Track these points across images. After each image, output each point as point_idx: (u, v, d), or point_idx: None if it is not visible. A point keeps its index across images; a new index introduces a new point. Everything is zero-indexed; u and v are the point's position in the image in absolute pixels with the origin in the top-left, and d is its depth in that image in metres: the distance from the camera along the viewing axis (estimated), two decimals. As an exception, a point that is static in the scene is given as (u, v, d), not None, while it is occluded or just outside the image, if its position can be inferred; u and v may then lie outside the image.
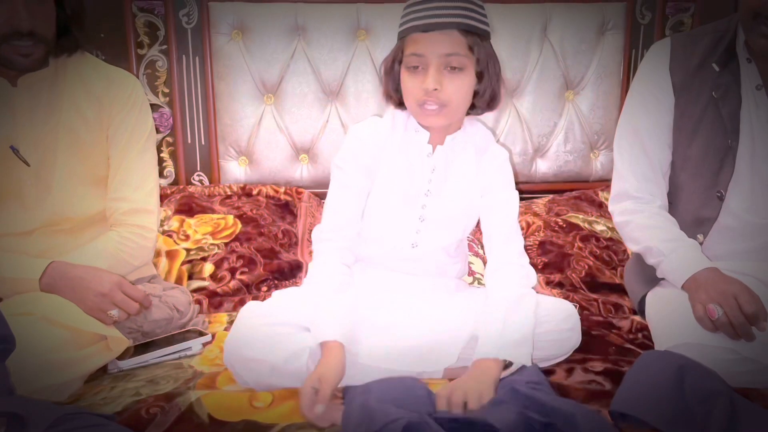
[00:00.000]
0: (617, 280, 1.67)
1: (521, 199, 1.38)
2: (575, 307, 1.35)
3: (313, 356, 1.13)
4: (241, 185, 2.01)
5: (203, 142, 2.06)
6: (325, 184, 2.11)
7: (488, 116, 1.96)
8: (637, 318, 1.49)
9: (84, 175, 1.37)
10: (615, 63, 2.11)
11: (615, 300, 1.60)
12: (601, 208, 1.97)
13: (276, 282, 1.68)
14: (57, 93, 1.33)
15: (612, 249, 1.79)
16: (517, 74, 2.08)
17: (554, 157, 2.16)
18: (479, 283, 1.73)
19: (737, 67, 1.32)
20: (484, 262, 1.80)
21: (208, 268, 1.68)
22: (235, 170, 2.08)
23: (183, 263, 1.69)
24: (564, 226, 1.87)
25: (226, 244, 1.75)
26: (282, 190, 2.00)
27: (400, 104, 1.28)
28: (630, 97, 1.45)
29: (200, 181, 2.09)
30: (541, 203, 2.01)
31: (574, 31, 2.07)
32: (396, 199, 1.30)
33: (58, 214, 1.35)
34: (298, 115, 2.05)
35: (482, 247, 1.84)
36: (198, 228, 1.80)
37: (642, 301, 1.44)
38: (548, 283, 1.69)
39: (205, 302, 1.60)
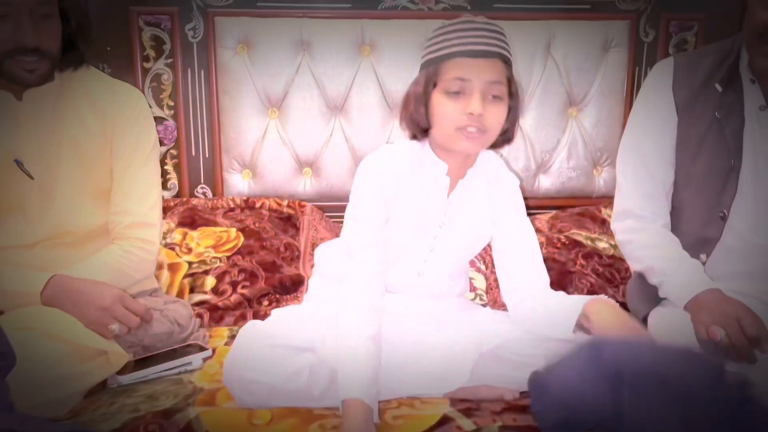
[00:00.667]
0: (620, 299, 1.67)
1: (523, 215, 1.37)
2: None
3: (314, 375, 1.13)
4: (245, 198, 2.01)
5: (207, 155, 2.07)
6: (329, 198, 2.15)
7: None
8: (640, 337, 1.48)
9: (87, 188, 1.38)
10: (618, 80, 2.12)
11: (617, 318, 1.59)
12: (603, 225, 1.96)
13: (277, 296, 1.68)
14: (62, 107, 1.34)
15: (615, 267, 1.78)
16: (521, 90, 2.09)
17: (557, 173, 2.16)
18: (480, 299, 1.73)
19: (740, 88, 1.32)
20: (486, 278, 1.80)
21: (210, 281, 1.68)
22: (238, 183, 2.09)
23: (185, 276, 1.69)
24: (566, 242, 1.86)
25: (228, 258, 1.75)
26: (285, 203, 2.00)
27: (423, 132, 1.24)
28: (633, 116, 1.44)
29: (203, 193, 2.10)
30: (543, 219, 2.01)
31: (578, 48, 2.07)
32: (408, 231, 1.28)
33: (60, 228, 1.35)
34: (302, 129, 2.06)
35: (484, 262, 1.84)
36: (200, 241, 1.80)
37: (644, 320, 1.43)
38: (550, 300, 1.68)
39: (206, 316, 1.60)
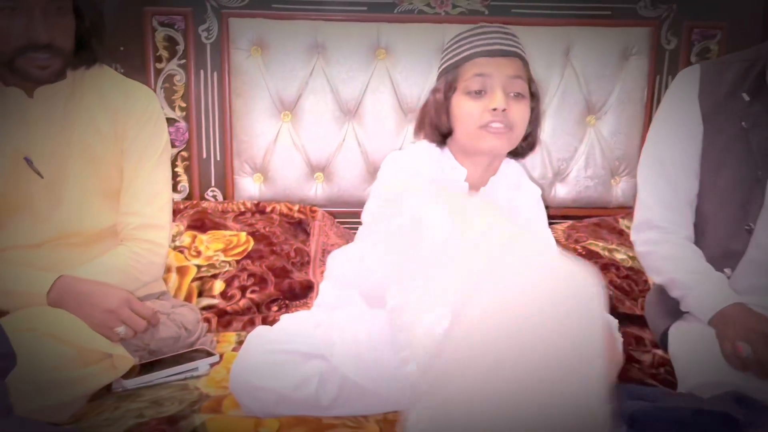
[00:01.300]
0: (638, 312, 1.62)
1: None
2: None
3: (324, 383, 1.10)
4: (255, 202, 1.99)
5: (218, 158, 2.05)
6: (340, 204, 2.12)
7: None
8: (659, 352, 1.44)
9: (96, 188, 1.36)
10: (638, 88, 2.08)
11: (636, 332, 1.55)
12: (621, 235, 1.92)
13: (287, 302, 1.65)
14: (73, 105, 1.32)
15: (633, 279, 1.74)
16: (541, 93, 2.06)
17: (574, 182, 2.12)
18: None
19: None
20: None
21: (219, 285, 1.66)
22: (249, 187, 2.07)
23: (193, 280, 1.67)
24: (583, 253, 1.82)
25: (237, 262, 1.72)
26: (296, 208, 1.98)
27: (442, 138, 1.23)
28: (656, 124, 1.41)
29: (214, 196, 2.08)
30: (559, 229, 1.97)
31: (598, 56, 2.04)
32: None
33: (68, 228, 1.33)
34: (314, 134, 2.03)
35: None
36: (210, 244, 1.77)
37: (664, 335, 1.39)
38: (566, 312, 1.64)
39: (214, 321, 1.57)
